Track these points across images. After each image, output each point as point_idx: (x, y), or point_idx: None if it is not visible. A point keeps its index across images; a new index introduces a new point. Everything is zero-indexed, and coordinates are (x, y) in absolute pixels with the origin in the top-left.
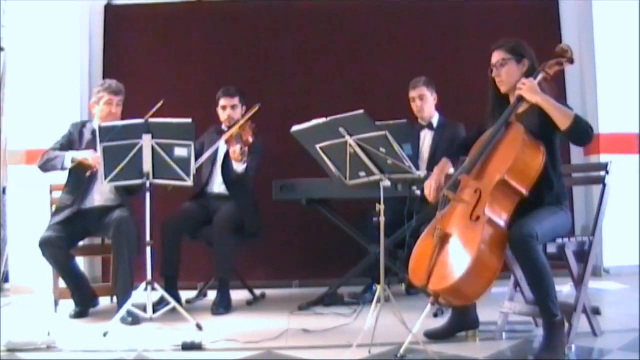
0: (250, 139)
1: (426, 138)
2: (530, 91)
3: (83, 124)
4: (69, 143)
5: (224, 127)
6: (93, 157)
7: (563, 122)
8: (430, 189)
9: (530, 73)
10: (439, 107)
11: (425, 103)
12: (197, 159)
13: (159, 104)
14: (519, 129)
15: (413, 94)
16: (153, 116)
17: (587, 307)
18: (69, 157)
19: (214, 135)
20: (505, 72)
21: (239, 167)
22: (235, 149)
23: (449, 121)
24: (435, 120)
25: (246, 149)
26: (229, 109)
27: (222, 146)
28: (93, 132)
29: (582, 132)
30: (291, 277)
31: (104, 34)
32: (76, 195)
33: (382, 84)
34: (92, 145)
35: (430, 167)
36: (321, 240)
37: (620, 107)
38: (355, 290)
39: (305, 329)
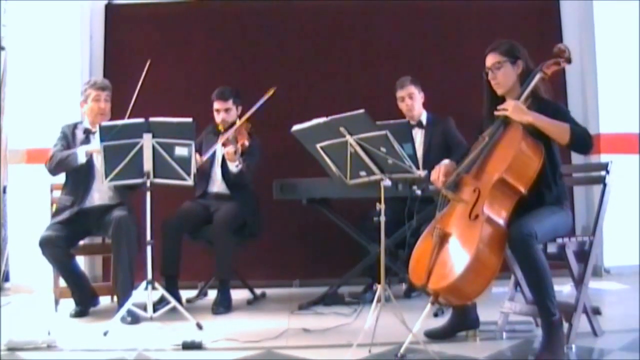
0: (246, 143)
1: (417, 137)
2: (517, 113)
3: (74, 126)
4: (67, 143)
5: (220, 126)
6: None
7: (561, 137)
8: (438, 173)
9: (524, 73)
10: (433, 107)
11: (415, 101)
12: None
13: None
14: (517, 128)
15: (401, 93)
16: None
17: (587, 307)
18: (82, 152)
19: (211, 135)
20: (502, 75)
21: (232, 167)
22: (229, 150)
23: (437, 117)
24: (424, 118)
25: (240, 148)
26: (222, 113)
27: (219, 148)
28: (85, 132)
29: (582, 143)
30: (291, 276)
31: (104, 33)
32: (75, 195)
33: (382, 84)
34: (85, 144)
35: (424, 166)
36: (321, 240)
37: (620, 107)
38: (355, 289)
39: (305, 329)
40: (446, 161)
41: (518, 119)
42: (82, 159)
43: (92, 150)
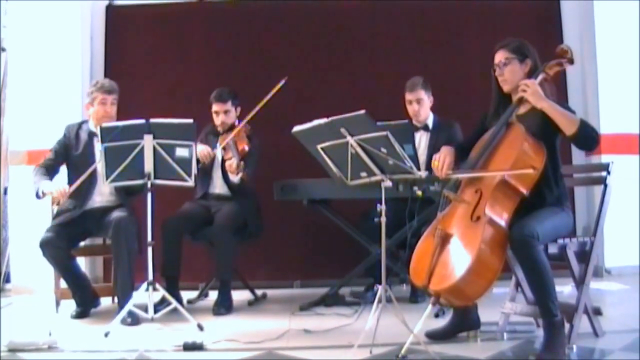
0: (246, 148)
1: (422, 140)
2: (535, 96)
3: (79, 125)
4: (65, 147)
5: (219, 128)
6: (58, 190)
7: (569, 128)
8: (441, 162)
9: (532, 73)
10: (434, 108)
11: (422, 106)
12: None
13: None
14: (519, 129)
15: (410, 96)
16: None
17: (588, 308)
18: (40, 189)
19: (211, 136)
20: (508, 72)
21: (234, 178)
22: (232, 163)
23: (443, 121)
24: (430, 122)
25: (240, 157)
26: (221, 115)
27: (219, 150)
28: (89, 134)
29: (587, 138)
30: (292, 277)
31: (105, 34)
32: (77, 199)
33: (383, 84)
34: (89, 147)
35: (427, 169)
36: (322, 241)
37: (621, 107)
38: (356, 290)
39: (306, 329)
40: (446, 149)
41: (533, 102)
42: (40, 194)
43: (46, 192)
